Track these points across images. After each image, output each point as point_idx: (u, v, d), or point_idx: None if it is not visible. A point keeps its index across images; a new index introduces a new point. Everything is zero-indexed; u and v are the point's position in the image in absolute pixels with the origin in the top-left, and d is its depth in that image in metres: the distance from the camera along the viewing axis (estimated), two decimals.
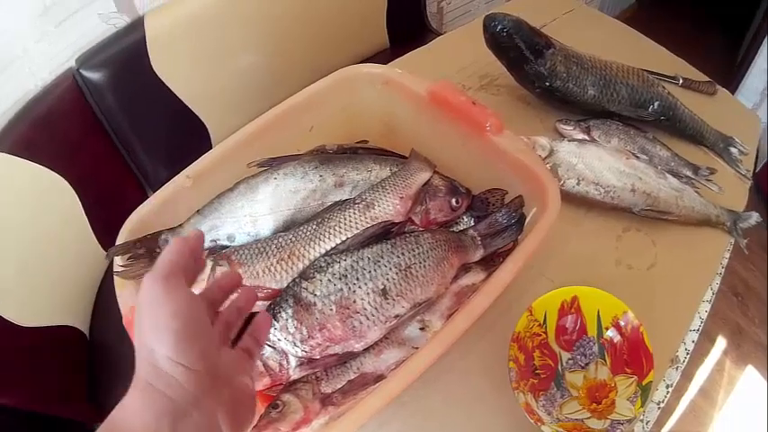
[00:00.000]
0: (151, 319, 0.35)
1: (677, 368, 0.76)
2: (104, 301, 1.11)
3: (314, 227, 0.64)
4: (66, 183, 1.02)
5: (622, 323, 0.69)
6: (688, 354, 0.78)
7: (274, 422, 0.55)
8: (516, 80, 0.95)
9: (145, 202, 0.70)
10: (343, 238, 0.63)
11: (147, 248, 0.67)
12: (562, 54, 0.89)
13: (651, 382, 0.65)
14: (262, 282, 0.61)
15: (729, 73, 2.10)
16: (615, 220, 0.84)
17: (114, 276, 0.64)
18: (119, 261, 0.64)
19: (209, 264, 0.62)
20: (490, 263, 0.70)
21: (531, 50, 0.87)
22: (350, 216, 0.65)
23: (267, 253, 0.63)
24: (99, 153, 1.10)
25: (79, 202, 1.05)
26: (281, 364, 0.57)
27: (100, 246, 1.10)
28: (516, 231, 0.69)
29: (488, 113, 0.67)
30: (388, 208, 0.67)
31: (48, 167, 1.00)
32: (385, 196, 0.67)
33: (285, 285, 0.61)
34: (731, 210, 0.86)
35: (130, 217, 0.69)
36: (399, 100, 0.76)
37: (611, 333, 0.70)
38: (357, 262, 0.61)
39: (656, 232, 0.84)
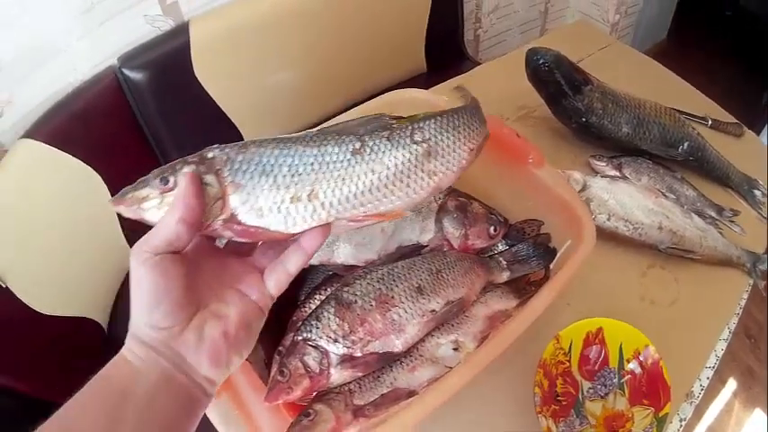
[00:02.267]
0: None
1: (692, 403, 0.77)
2: (126, 297, 1.11)
3: (348, 158, 0.44)
4: (98, 177, 1.04)
5: (643, 357, 0.72)
6: (702, 390, 0.80)
7: (305, 430, 0.57)
8: (553, 114, 0.97)
9: None
10: (390, 195, 0.46)
11: None
12: (599, 91, 0.91)
13: (667, 414, 0.67)
14: (266, 223, 0.42)
15: (755, 110, 2.13)
16: (641, 256, 0.87)
17: None
18: None
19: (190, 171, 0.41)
20: (522, 290, 0.72)
21: (570, 86, 0.90)
22: (402, 160, 0.46)
23: (276, 181, 0.42)
24: (133, 151, 1.12)
25: (110, 197, 1.06)
26: (321, 364, 0.58)
27: (127, 243, 1.11)
28: (542, 262, 0.72)
29: (531, 147, 0.70)
30: (454, 161, 0.50)
31: (82, 161, 1.01)
32: (455, 143, 0.51)
33: (298, 231, 0.43)
34: (752, 251, 0.88)
35: None
36: None
37: (632, 365, 0.72)
38: (392, 269, 0.65)
39: (679, 270, 0.86)
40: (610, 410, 0.72)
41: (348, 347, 0.59)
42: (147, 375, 0.37)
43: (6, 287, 0.91)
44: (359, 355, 0.59)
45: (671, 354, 0.70)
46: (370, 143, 0.46)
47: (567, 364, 0.73)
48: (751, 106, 2.15)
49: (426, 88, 1.42)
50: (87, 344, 1.04)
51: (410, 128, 0.49)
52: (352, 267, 0.69)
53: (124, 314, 1.10)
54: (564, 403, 0.71)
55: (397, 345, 0.61)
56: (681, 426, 0.76)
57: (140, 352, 0.38)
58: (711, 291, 0.85)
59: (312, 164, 0.43)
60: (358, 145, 0.45)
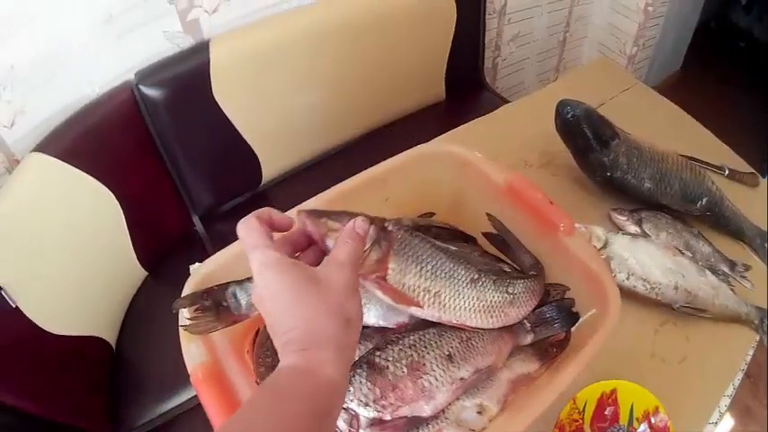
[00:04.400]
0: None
1: None
2: (135, 316, 1.12)
3: (467, 282, 0.64)
4: (111, 195, 1.03)
5: (653, 418, 0.74)
6: None
7: None
8: (578, 165, 0.98)
9: (213, 256, 0.68)
10: (476, 318, 0.65)
11: (213, 300, 0.66)
12: (625, 145, 0.91)
13: None
14: (401, 294, 0.61)
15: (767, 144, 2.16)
16: (655, 313, 0.88)
17: (180, 331, 0.62)
18: (185, 314, 0.63)
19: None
20: (545, 352, 0.73)
21: (598, 140, 0.90)
22: (495, 300, 0.66)
23: (421, 271, 0.61)
24: (147, 170, 1.11)
25: (123, 216, 1.05)
26: (350, 425, 0.59)
27: (138, 261, 1.10)
28: (565, 325, 0.73)
29: (563, 215, 0.70)
30: (522, 312, 0.69)
31: (95, 177, 1.00)
32: (528, 301, 0.69)
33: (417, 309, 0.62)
34: (760, 308, 0.90)
35: (197, 269, 0.68)
36: (474, 183, 0.77)
37: (641, 426, 0.74)
38: (424, 336, 0.65)
39: (690, 328, 0.88)
40: None
41: (378, 411, 0.60)
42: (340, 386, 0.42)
43: (16, 306, 0.89)
44: (388, 418, 0.60)
45: (677, 410, 0.72)
46: (483, 279, 0.65)
47: (580, 421, 0.74)
48: (765, 137, 2.17)
49: (445, 117, 1.42)
50: (95, 363, 1.04)
51: (508, 281, 0.67)
52: (382, 329, 0.69)
53: (132, 332, 1.11)
54: None
55: (426, 410, 0.61)
56: None
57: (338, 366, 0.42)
58: (719, 349, 0.87)
59: (446, 272, 0.63)
60: (476, 276, 0.64)
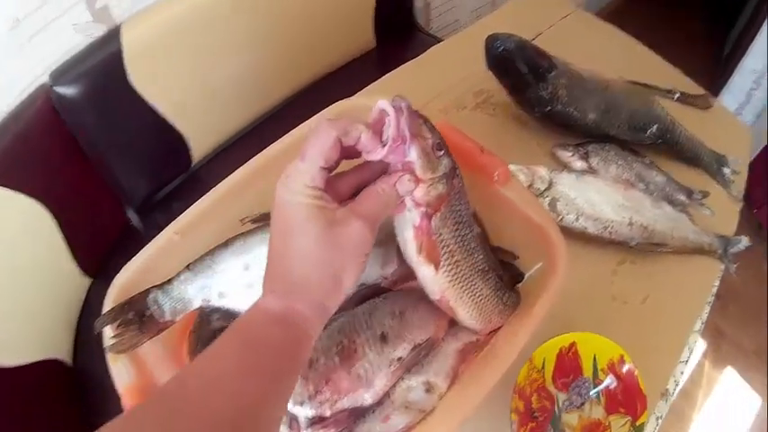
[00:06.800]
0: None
1: (667, 400, 0.78)
2: (87, 327, 1.07)
3: (477, 271, 0.58)
4: (41, 207, 0.97)
5: (617, 366, 0.71)
6: (677, 385, 0.80)
7: None
8: (516, 103, 0.92)
9: (130, 262, 0.63)
10: (472, 309, 0.60)
11: (136, 311, 0.62)
12: (565, 77, 0.86)
13: (644, 423, 0.67)
14: (436, 245, 0.56)
15: (715, 64, 2.10)
16: (611, 253, 0.84)
17: (106, 352, 0.58)
18: (109, 332, 0.59)
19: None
20: None
21: (534, 74, 0.84)
22: (494, 302, 0.61)
23: (456, 235, 0.56)
24: (75, 173, 1.04)
25: (56, 226, 0.99)
26: (290, 428, 0.57)
27: (79, 269, 1.05)
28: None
29: (497, 162, 0.64)
30: (501, 321, 0.64)
31: (22, 193, 0.93)
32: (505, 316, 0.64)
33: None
34: (722, 235, 0.87)
35: (115, 280, 0.62)
36: None
37: (607, 377, 0.71)
38: (353, 317, 0.61)
39: (650, 264, 0.84)
40: (586, 420, 0.71)
41: (316, 408, 0.57)
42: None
43: None
44: (328, 414, 0.57)
45: (644, 354, 0.69)
46: (490, 275, 0.60)
47: (541, 379, 0.71)
48: (710, 58, 2.12)
49: (378, 64, 1.35)
50: (57, 385, 1.00)
51: (506, 290, 0.63)
52: None
53: (88, 344, 1.07)
54: (541, 419, 0.70)
55: (367, 399, 0.59)
56: (657, 423, 0.77)
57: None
58: (683, 283, 0.84)
59: (471, 248, 0.57)
60: (486, 268, 0.59)
